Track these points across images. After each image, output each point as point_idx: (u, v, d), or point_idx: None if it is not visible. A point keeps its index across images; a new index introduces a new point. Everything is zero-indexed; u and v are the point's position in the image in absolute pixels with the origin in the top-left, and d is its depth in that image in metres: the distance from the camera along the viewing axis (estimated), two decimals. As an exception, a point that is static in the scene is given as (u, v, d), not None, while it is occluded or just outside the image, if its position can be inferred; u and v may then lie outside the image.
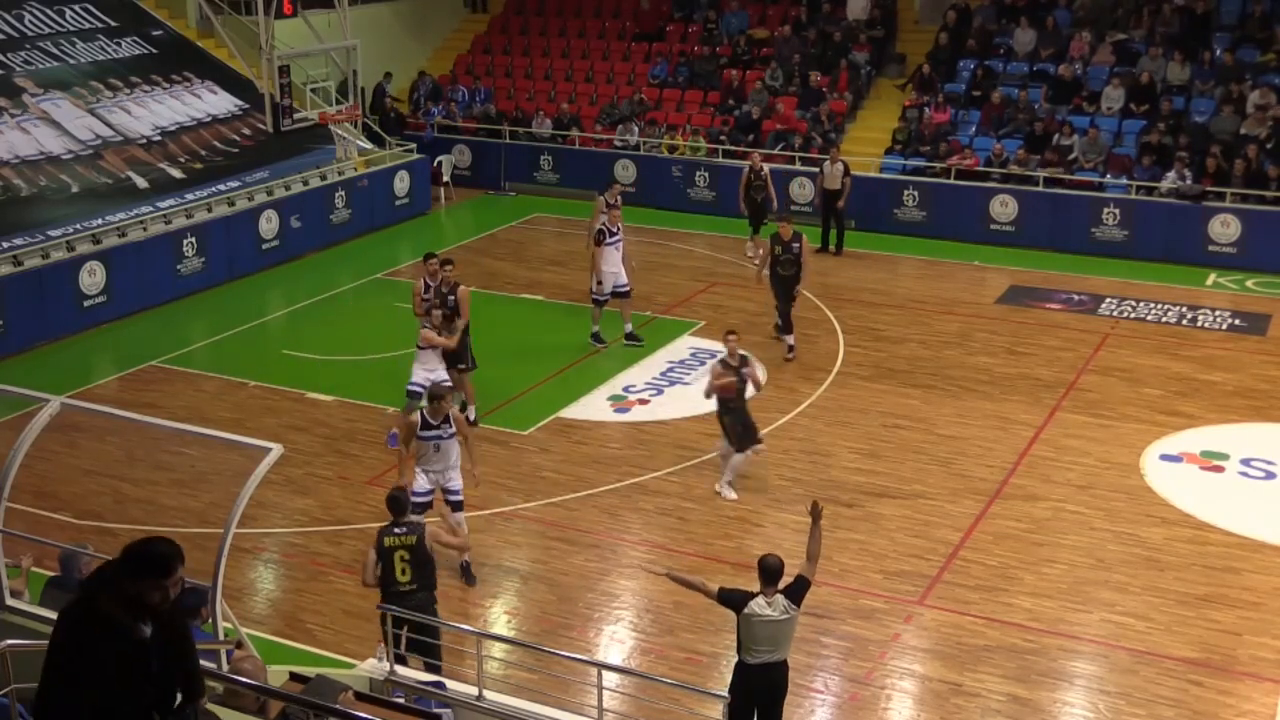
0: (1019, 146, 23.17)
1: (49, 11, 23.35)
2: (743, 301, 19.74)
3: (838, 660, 10.87)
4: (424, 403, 12.23)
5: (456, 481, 12.03)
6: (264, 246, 21.93)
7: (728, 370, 13.55)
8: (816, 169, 22.77)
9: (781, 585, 8.95)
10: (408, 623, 9.68)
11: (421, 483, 11.91)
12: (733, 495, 13.65)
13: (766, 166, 22.04)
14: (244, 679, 7.04)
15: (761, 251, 18.06)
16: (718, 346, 17.65)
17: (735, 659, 9.14)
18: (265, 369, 17.35)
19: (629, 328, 18.08)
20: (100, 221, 19.88)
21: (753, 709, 9.03)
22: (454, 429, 11.85)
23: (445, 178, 26.31)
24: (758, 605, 8.85)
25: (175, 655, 5.22)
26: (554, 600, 11.82)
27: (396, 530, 9.82)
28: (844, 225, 22.37)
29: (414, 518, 10.32)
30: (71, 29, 23.39)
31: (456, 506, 12.06)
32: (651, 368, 17.26)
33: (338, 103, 23.51)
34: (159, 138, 22.30)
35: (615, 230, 17.86)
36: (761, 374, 14.71)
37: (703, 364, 17.27)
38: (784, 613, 8.88)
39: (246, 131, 23.52)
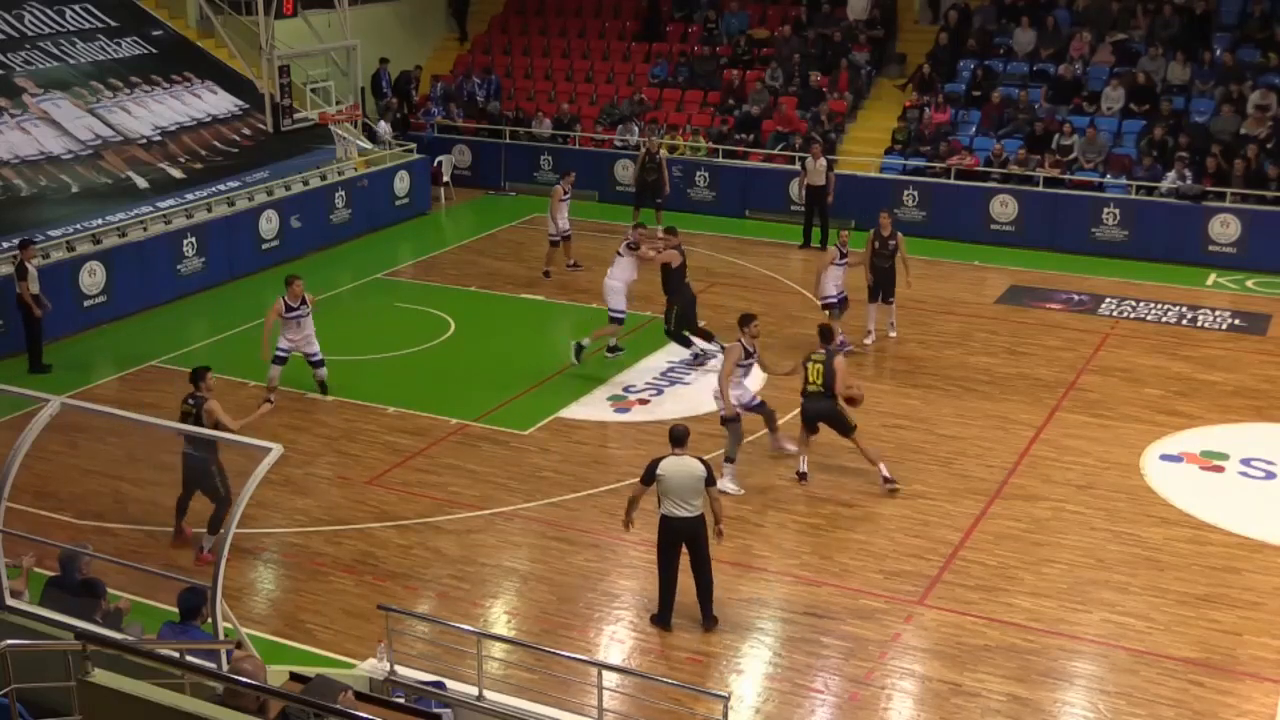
0: (1019, 146, 23.18)
1: (49, 11, 23.34)
2: (743, 302, 19.74)
3: (838, 660, 10.86)
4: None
5: (316, 347, 16.02)
6: (264, 246, 21.93)
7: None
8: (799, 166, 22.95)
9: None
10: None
11: (283, 344, 15.81)
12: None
13: (664, 152, 23.11)
14: (244, 679, 7.03)
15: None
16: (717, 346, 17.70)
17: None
18: (265, 369, 17.33)
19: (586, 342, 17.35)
20: (100, 221, 19.88)
21: (675, 554, 11.01)
22: (309, 309, 15.75)
23: (445, 178, 26.32)
24: (667, 463, 10.86)
25: None
26: (554, 600, 11.82)
27: (188, 401, 12.51)
28: (828, 222, 22.44)
29: (204, 394, 12.51)
30: (71, 29, 23.39)
31: (318, 364, 16.12)
32: (651, 368, 17.25)
33: (338, 103, 23.48)
34: (159, 138, 22.30)
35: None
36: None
37: (703, 364, 17.28)
38: (696, 471, 10.78)
39: (246, 131, 23.53)
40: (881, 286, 17.95)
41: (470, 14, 30.67)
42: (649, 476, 10.93)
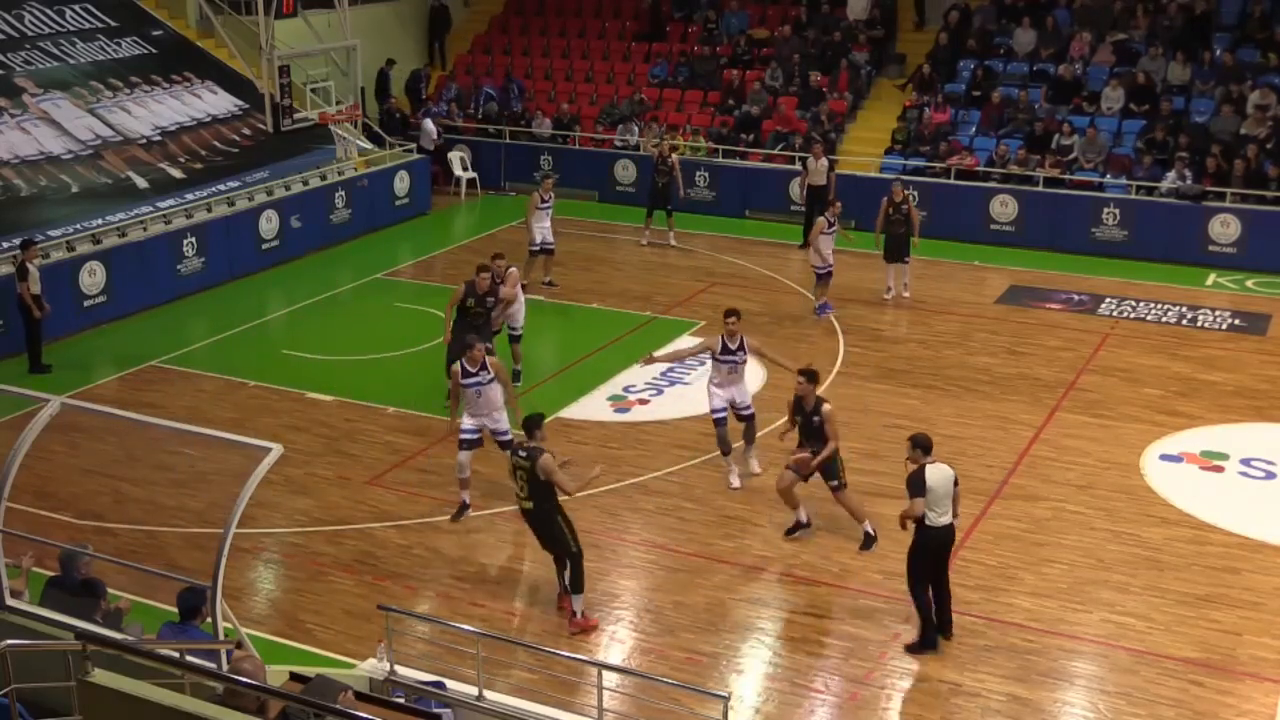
0: (1019, 146, 23.17)
1: (49, 11, 23.35)
2: (742, 302, 19.70)
3: (838, 660, 10.86)
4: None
5: (503, 423, 13.18)
6: (264, 246, 21.93)
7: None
8: (800, 165, 22.94)
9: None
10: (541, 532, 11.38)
11: (469, 423, 13.14)
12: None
13: (675, 156, 22.91)
14: (244, 679, 7.03)
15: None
16: (718, 346, 17.69)
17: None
18: (265, 369, 17.35)
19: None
20: (100, 221, 19.88)
21: (938, 567, 10.88)
22: (492, 374, 13.06)
23: (458, 172, 26.34)
24: (930, 471, 10.66)
25: None
26: (554, 600, 11.81)
27: (520, 453, 11.22)
28: None
29: (534, 445, 11.24)
30: (71, 29, 23.39)
31: (505, 445, 12.89)
32: (651, 367, 17.22)
33: (338, 103, 23.49)
34: (159, 138, 22.30)
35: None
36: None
37: (702, 364, 17.26)
38: (950, 475, 10.71)
39: (246, 131, 23.53)
40: (895, 248, 19.61)
41: (449, 40, 30.41)
42: (921, 487, 10.61)
